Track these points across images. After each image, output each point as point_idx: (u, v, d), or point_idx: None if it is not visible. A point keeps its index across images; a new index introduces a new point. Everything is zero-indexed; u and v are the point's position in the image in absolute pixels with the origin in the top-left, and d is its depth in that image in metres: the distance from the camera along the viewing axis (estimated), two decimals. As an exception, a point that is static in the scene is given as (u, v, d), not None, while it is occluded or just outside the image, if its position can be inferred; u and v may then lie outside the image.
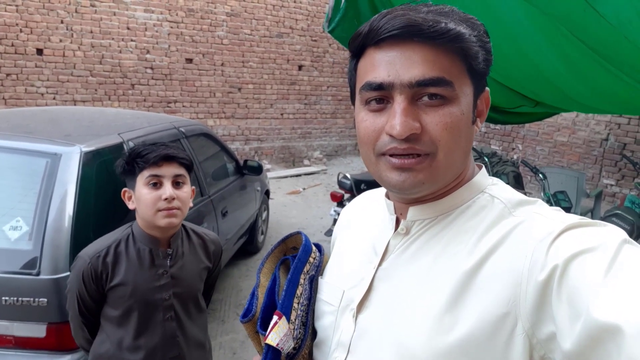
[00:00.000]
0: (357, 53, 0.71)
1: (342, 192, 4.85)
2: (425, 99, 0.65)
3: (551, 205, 1.13)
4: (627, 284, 0.52)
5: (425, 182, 0.67)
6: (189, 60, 8.18)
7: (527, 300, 0.59)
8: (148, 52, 7.78)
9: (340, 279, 0.83)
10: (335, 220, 4.59)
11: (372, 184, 4.24)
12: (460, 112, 0.66)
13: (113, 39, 7.47)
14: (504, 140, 8.61)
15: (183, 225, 1.71)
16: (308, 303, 0.84)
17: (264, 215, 5.17)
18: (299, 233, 0.93)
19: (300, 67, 9.44)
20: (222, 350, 3.26)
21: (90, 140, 2.21)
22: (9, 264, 1.86)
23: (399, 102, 0.64)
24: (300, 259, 0.87)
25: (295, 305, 0.82)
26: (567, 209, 4.31)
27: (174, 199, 1.51)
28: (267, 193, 5.26)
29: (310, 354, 0.85)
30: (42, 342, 1.84)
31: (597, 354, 0.50)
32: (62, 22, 7.05)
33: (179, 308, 1.62)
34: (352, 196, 4.62)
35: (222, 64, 8.51)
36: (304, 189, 7.79)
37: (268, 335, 0.78)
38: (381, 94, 0.66)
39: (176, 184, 1.56)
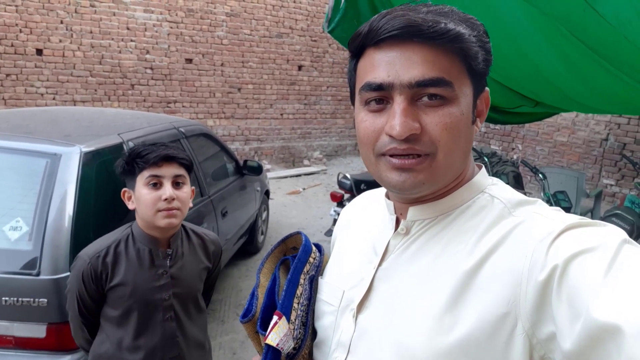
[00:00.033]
0: (356, 53, 0.71)
1: (342, 192, 4.85)
2: (425, 99, 0.65)
3: (551, 205, 1.13)
4: (627, 284, 0.52)
5: (425, 182, 0.67)
6: (189, 61, 8.18)
7: (527, 300, 0.59)
8: (148, 52, 7.78)
9: (340, 279, 0.83)
10: (335, 221, 4.59)
11: (372, 184, 4.24)
12: (460, 113, 0.66)
13: (113, 39, 7.47)
14: (503, 140, 8.61)
15: (183, 226, 1.71)
16: (308, 303, 0.84)
17: (264, 215, 5.17)
18: (298, 233, 0.93)
19: (300, 67, 9.44)
20: (222, 351, 3.25)
21: (90, 140, 2.22)
22: (9, 264, 1.86)
23: (399, 103, 0.64)
24: (300, 259, 0.87)
25: (295, 305, 0.82)
26: (567, 209, 4.31)
27: (173, 199, 1.51)
28: (267, 193, 5.26)
29: (310, 354, 0.85)
30: (42, 342, 1.84)
31: (597, 354, 0.50)
32: (61, 22, 7.05)
33: (178, 308, 1.62)
34: (352, 196, 4.62)
35: (222, 64, 8.51)
36: (303, 189, 7.79)
37: (268, 335, 0.78)
38: (381, 95, 0.66)
39: (176, 184, 1.56)
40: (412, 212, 0.74)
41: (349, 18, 2.63)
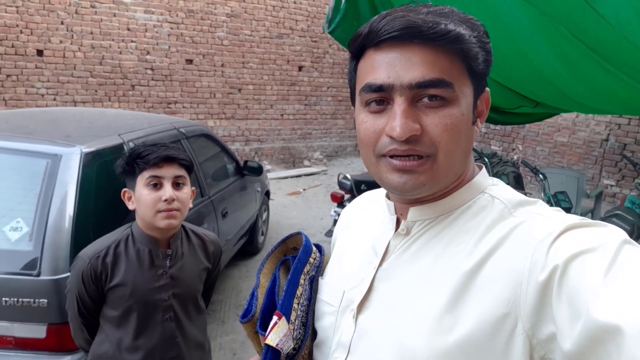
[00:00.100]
0: (357, 54, 0.71)
1: (343, 192, 4.85)
2: (425, 100, 0.65)
3: (551, 205, 1.13)
4: (627, 284, 0.52)
5: (426, 183, 0.67)
6: (189, 61, 8.19)
7: (528, 301, 0.59)
8: (148, 53, 7.79)
9: (341, 279, 0.83)
10: (335, 221, 4.59)
11: (373, 185, 4.24)
12: (460, 113, 0.66)
13: (113, 40, 7.47)
14: (504, 141, 8.61)
15: (183, 226, 1.71)
16: (308, 303, 0.84)
17: (264, 216, 5.17)
18: (299, 233, 0.93)
19: (300, 68, 9.45)
20: (222, 351, 3.25)
21: (90, 141, 2.22)
22: (9, 264, 1.86)
23: (399, 104, 0.64)
24: (301, 260, 0.87)
25: (295, 305, 0.82)
26: (568, 210, 4.31)
27: (173, 200, 1.51)
28: (267, 194, 5.26)
29: (310, 354, 0.85)
30: (42, 342, 1.84)
31: (597, 354, 0.50)
32: (62, 23, 7.05)
33: (178, 309, 1.62)
34: (353, 197, 4.62)
35: (222, 65, 8.52)
36: (304, 189, 7.79)
37: (267, 335, 0.78)
38: (381, 96, 0.66)
39: (176, 185, 1.56)
40: (413, 212, 0.74)
41: (349, 19, 2.63)
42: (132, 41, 7.63)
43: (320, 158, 9.74)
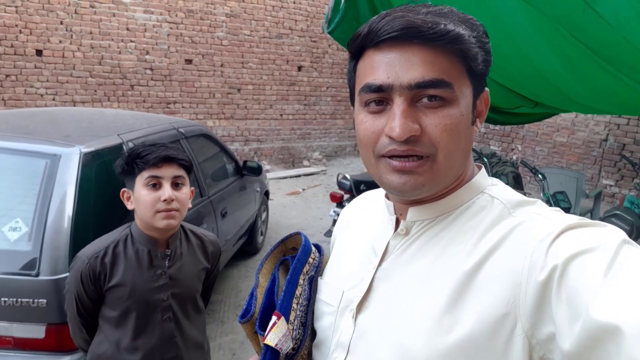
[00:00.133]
0: (356, 54, 0.70)
1: (342, 192, 4.85)
2: (425, 100, 0.65)
3: (550, 205, 1.13)
4: (627, 284, 0.52)
5: (425, 184, 0.67)
6: (189, 61, 8.18)
7: (527, 301, 0.59)
8: (147, 53, 7.78)
9: (340, 279, 0.83)
10: (334, 221, 4.59)
11: (372, 185, 4.24)
12: (460, 114, 0.66)
13: (112, 39, 7.47)
14: (503, 141, 8.61)
15: (182, 226, 1.71)
16: (307, 303, 0.84)
17: (264, 216, 5.17)
18: (298, 234, 0.93)
19: (299, 68, 9.45)
20: (222, 352, 3.25)
21: (89, 141, 2.21)
22: (8, 264, 1.86)
23: (399, 104, 0.64)
24: (300, 260, 0.87)
25: (294, 305, 0.82)
26: (567, 210, 4.31)
27: (172, 200, 1.51)
28: (266, 194, 5.26)
29: (310, 354, 0.85)
30: (41, 343, 1.84)
31: (597, 354, 0.50)
32: (61, 23, 7.05)
33: (177, 309, 1.62)
34: (352, 197, 4.62)
35: (222, 65, 8.51)
36: (303, 189, 7.79)
37: (267, 335, 0.78)
38: (380, 96, 0.66)
39: (175, 185, 1.56)
40: (412, 212, 0.74)
41: (348, 19, 2.63)
42: (131, 41, 7.62)
43: (319, 158, 9.74)
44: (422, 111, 0.65)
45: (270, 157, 9.33)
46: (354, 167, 9.39)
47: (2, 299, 1.81)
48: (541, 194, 4.84)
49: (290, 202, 7.01)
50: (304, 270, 0.86)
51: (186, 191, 1.59)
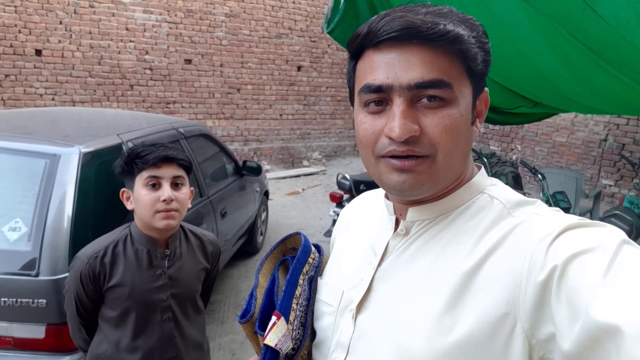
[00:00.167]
0: (355, 54, 0.70)
1: (341, 192, 4.85)
2: (424, 101, 0.65)
3: (550, 205, 1.13)
4: (626, 284, 0.52)
5: (425, 183, 0.67)
6: (188, 61, 8.18)
7: (527, 301, 0.59)
8: (147, 52, 7.78)
9: (340, 279, 0.83)
10: (334, 221, 4.59)
11: (372, 185, 4.24)
12: (459, 114, 0.66)
13: (112, 39, 7.47)
14: (502, 141, 8.61)
15: (181, 226, 1.71)
16: (307, 304, 0.84)
17: (263, 216, 5.17)
18: (298, 234, 0.93)
19: (299, 68, 9.44)
20: (222, 352, 3.25)
21: (89, 141, 2.21)
22: (8, 265, 1.85)
23: (398, 105, 0.64)
24: (299, 260, 0.87)
25: (294, 305, 0.82)
26: (566, 210, 4.31)
27: (172, 200, 1.51)
28: (266, 194, 5.26)
29: (310, 354, 0.85)
30: (41, 343, 1.84)
31: (597, 354, 0.50)
32: (60, 22, 7.05)
33: (176, 309, 1.62)
34: (352, 197, 4.62)
35: (221, 65, 8.51)
36: (303, 189, 7.79)
37: (266, 335, 0.78)
38: (380, 96, 0.66)
39: (175, 185, 1.56)
40: (412, 212, 0.74)
41: (348, 19, 2.64)
42: (130, 41, 7.62)
43: (319, 158, 9.74)
44: (421, 111, 0.65)
45: (270, 157, 9.33)
46: (353, 167, 9.40)
47: (2, 299, 1.81)
48: (541, 194, 4.84)
49: (290, 202, 7.01)
50: (304, 270, 0.86)
51: (186, 191, 1.59)
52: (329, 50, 9.72)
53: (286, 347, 0.78)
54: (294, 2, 9.11)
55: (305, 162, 9.62)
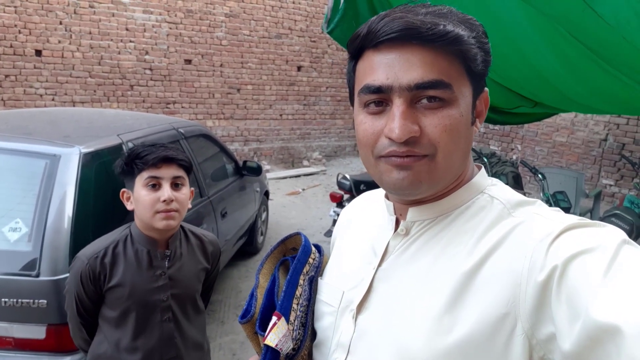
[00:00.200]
0: (355, 55, 0.70)
1: (342, 192, 4.85)
2: (424, 101, 0.65)
3: (550, 205, 1.14)
4: (626, 284, 0.52)
5: (424, 182, 0.67)
6: (188, 61, 8.18)
7: (527, 301, 0.59)
8: (147, 53, 7.78)
9: (340, 279, 0.83)
10: (334, 221, 4.59)
11: (372, 185, 4.24)
12: (459, 114, 0.66)
13: (112, 40, 7.47)
14: (503, 141, 8.61)
15: (181, 227, 1.71)
16: (307, 304, 0.84)
17: (264, 216, 5.17)
18: (298, 234, 0.93)
19: (299, 68, 9.44)
20: (222, 352, 3.25)
21: (89, 141, 2.21)
22: (8, 265, 1.86)
23: (398, 105, 0.64)
24: (300, 260, 0.87)
25: (294, 306, 0.82)
26: (566, 209, 4.31)
27: (172, 200, 1.51)
28: (266, 194, 5.26)
29: (310, 354, 0.85)
30: (41, 343, 1.84)
31: (597, 354, 0.50)
32: (60, 23, 7.05)
33: (176, 309, 1.62)
34: (352, 197, 4.62)
35: (221, 65, 8.51)
36: (303, 189, 7.79)
37: (267, 336, 0.78)
38: (380, 97, 0.66)
39: (175, 185, 1.56)
40: (412, 212, 0.74)
41: (348, 19, 2.64)
42: (130, 41, 7.62)
43: (319, 158, 9.74)
44: (421, 112, 0.65)
45: (270, 157, 9.33)
46: (353, 167, 9.40)
47: (3, 299, 1.81)
48: (541, 194, 4.84)
49: (290, 202, 7.01)
50: (304, 270, 0.86)
51: (186, 192, 1.59)
52: (329, 50, 9.73)
53: (287, 347, 0.78)
54: (294, 2, 9.11)
55: (305, 162, 9.62)
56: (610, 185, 6.91)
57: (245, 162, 4.35)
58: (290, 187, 7.92)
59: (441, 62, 0.64)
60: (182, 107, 8.22)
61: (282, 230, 5.67)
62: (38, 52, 6.96)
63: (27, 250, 1.87)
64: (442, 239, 0.71)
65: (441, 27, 0.62)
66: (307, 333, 0.82)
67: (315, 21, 9.39)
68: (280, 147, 9.48)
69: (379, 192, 0.89)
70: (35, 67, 6.97)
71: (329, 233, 4.79)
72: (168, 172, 1.53)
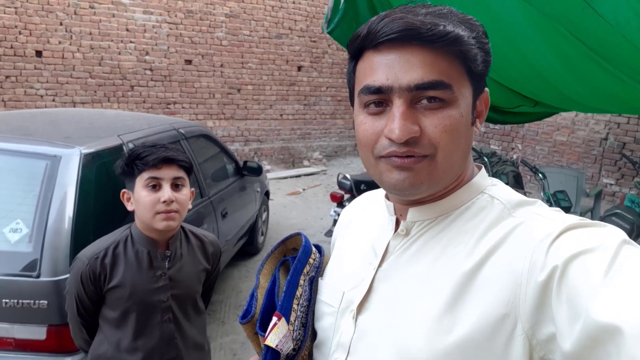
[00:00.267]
0: (355, 55, 0.70)
1: (342, 192, 4.85)
2: (424, 102, 0.65)
3: (551, 204, 1.14)
4: (627, 284, 0.52)
5: (424, 182, 0.67)
6: (188, 62, 8.18)
7: (527, 301, 0.59)
8: (147, 53, 7.79)
9: (340, 280, 0.83)
10: (335, 221, 4.59)
11: (372, 185, 4.23)
12: (460, 115, 0.66)
13: (112, 40, 7.47)
14: (503, 140, 8.61)
15: (182, 227, 1.71)
16: (308, 304, 0.84)
17: (264, 216, 5.17)
18: (298, 234, 0.93)
19: (299, 68, 9.45)
20: (223, 352, 3.25)
21: (89, 142, 2.22)
22: (9, 266, 1.86)
23: (398, 106, 0.64)
24: (300, 260, 0.87)
25: (294, 306, 0.82)
26: (567, 209, 4.31)
27: (172, 201, 1.51)
28: (267, 194, 5.26)
29: (310, 355, 0.85)
30: (42, 344, 1.84)
31: (597, 354, 0.50)
32: (61, 24, 7.05)
33: (177, 310, 1.62)
34: (352, 197, 4.62)
35: (222, 65, 8.52)
36: (303, 189, 7.79)
37: (267, 336, 0.78)
38: (380, 98, 0.66)
39: (175, 186, 1.56)
40: (412, 213, 0.74)
41: (348, 19, 2.64)
42: (131, 42, 7.63)
43: (319, 158, 9.74)
44: (421, 112, 0.65)
45: (271, 157, 9.33)
46: (354, 167, 9.40)
47: (3, 300, 1.81)
48: (541, 193, 4.84)
49: (291, 202, 7.01)
50: (305, 270, 0.86)
51: (186, 192, 1.59)
52: (329, 50, 9.72)
53: (287, 347, 0.78)
54: (294, 2, 9.11)
55: (305, 162, 9.62)
56: (611, 185, 6.90)
57: (245, 162, 4.35)
58: (290, 187, 7.92)
59: (441, 63, 0.64)
60: (183, 108, 8.22)
61: (282, 230, 5.67)
62: (38, 53, 6.96)
63: (28, 251, 1.88)
64: (443, 239, 0.71)
65: (441, 27, 0.62)
66: (307, 333, 0.82)
67: (315, 21, 9.39)
68: (281, 147, 9.48)
69: (379, 192, 0.89)
70: (35, 68, 6.97)
71: (329, 233, 4.79)
72: (168, 173, 1.53)
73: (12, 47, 6.77)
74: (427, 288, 0.68)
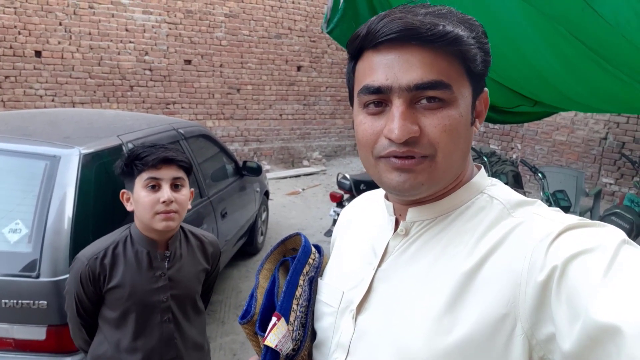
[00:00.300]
0: (355, 55, 0.70)
1: (342, 192, 4.85)
2: (424, 102, 0.64)
3: (550, 204, 1.14)
4: (626, 284, 0.52)
5: (424, 183, 0.67)
6: (188, 62, 8.18)
7: (527, 301, 0.59)
8: (147, 53, 7.78)
9: (340, 280, 0.83)
10: (334, 221, 4.59)
11: (372, 185, 4.23)
12: (459, 115, 0.66)
13: (111, 40, 7.47)
14: (502, 140, 8.61)
15: (181, 227, 1.71)
16: (307, 304, 0.84)
17: (264, 216, 5.17)
18: (298, 234, 0.93)
19: (299, 68, 9.44)
20: (222, 352, 3.25)
21: (89, 142, 2.21)
22: (8, 266, 1.86)
23: (398, 106, 0.64)
24: (300, 260, 0.87)
25: (294, 306, 0.82)
26: (567, 208, 4.31)
27: (172, 202, 1.51)
28: (266, 194, 5.26)
29: (310, 355, 0.85)
30: (42, 344, 1.84)
31: (597, 354, 0.50)
32: (60, 24, 7.05)
33: (176, 310, 1.62)
34: (352, 196, 4.62)
35: (221, 65, 8.51)
36: (303, 189, 7.79)
37: (267, 336, 0.78)
38: (379, 98, 0.66)
39: (175, 186, 1.55)
40: (412, 213, 0.74)
41: (347, 19, 2.64)
42: (130, 42, 7.62)
43: (319, 158, 9.74)
44: (421, 112, 0.65)
45: (270, 157, 9.33)
46: (353, 167, 9.40)
47: (3, 300, 1.81)
48: (541, 193, 4.84)
49: (290, 202, 7.01)
50: (304, 271, 0.86)
51: (185, 192, 1.59)
52: (328, 50, 9.72)
53: (286, 347, 0.78)
54: (293, 2, 9.11)
55: (305, 162, 9.62)
56: (611, 184, 6.91)
57: (245, 162, 4.35)
58: (290, 187, 7.92)
59: (441, 63, 0.64)
60: (182, 108, 8.22)
61: (282, 230, 5.67)
62: (38, 53, 6.96)
63: (27, 252, 1.87)
64: (442, 239, 0.71)
65: (441, 27, 0.62)
66: (307, 333, 0.82)
67: (315, 21, 9.39)
68: (280, 147, 9.48)
69: (379, 192, 0.89)
70: (35, 68, 6.97)
71: (329, 233, 4.79)
72: (168, 173, 1.53)
73: (11, 47, 6.77)
74: (427, 288, 0.68)
